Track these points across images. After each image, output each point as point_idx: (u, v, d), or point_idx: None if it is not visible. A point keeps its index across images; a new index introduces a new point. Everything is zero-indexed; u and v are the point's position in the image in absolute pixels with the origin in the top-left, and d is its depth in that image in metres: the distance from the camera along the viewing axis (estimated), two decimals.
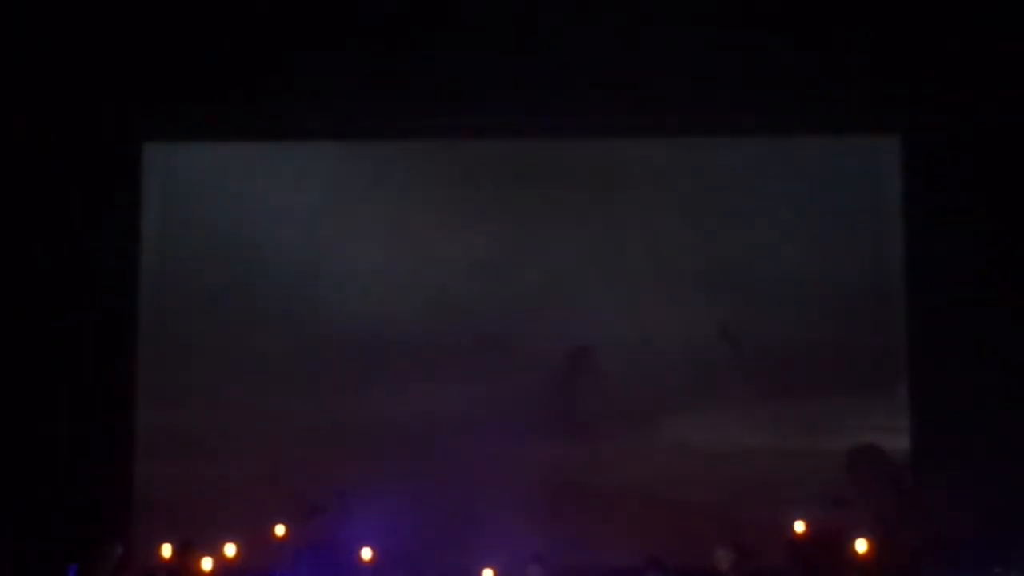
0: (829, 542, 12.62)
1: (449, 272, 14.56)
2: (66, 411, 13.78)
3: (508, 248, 14.54)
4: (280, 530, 13.37)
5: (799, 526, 12.87)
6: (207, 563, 12.57)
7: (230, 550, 12.96)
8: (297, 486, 13.74)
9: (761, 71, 13.54)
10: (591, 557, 13.03)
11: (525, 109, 13.92)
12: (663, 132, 14.33)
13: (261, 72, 13.85)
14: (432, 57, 13.84)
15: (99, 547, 12.46)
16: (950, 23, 13.49)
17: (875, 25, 13.59)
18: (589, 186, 14.55)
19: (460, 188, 14.69)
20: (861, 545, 12.44)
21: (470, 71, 13.74)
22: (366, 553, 13.00)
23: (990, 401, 13.23)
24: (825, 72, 13.61)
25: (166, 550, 13.03)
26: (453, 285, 14.51)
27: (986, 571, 12.50)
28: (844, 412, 14.01)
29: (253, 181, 14.79)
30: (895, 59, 13.61)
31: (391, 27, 13.83)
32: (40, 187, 14.12)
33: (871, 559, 12.39)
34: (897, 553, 12.53)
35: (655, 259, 14.48)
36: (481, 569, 12.79)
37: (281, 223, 14.66)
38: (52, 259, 14.09)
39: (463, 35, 13.70)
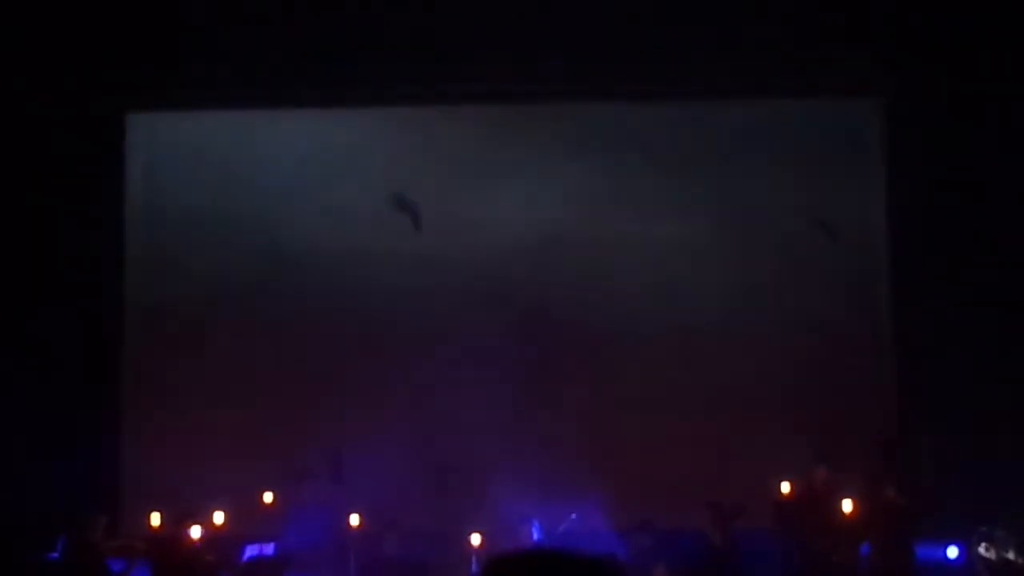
0: (815, 502, 12.62)
1: (437, 234, 14.56)
2: (53, 380, 13.76)
3: (497, 210, 14.53)
4: (268, 497, 13.38)
5: (785, 487, 12.86)
6: (196, 531, 12.53)
7: (218, 517, 12.93)
8: (286, 452, 13.75)
9: (747, 35, 13.56)
10: (582, 520, 12.98)
11: (515, 74, 13.95)
12: (653, 96, 14.38)
13: (243, 42, 13.82)
14: (420, 24, 13.81)
15: (86, 518, 12.46)
16: None
17: None
18: (576, 146, 14.57)
19: (449, 152, 14.70)
20: (847, 505, 12.42)
21: (456, 38, 13.75)
22: (354, 519, 12.98)
23: (976, 361, 13.26)
24: (811, 35, 13.62)
25: (155, 519, 12.99)
26: (442, 246, 14.50)
27: (972, 530, 12.52)
28: (828, 371, 14.07)
29: (237, 150, 14.77)
30: (880, 21, 13.62)
31: None
32: (25, 159, 14.09)
33: (857, 519, 12.39)
34: (884, 512, 12.53)
35: (640, 221, 14.51)
36: (470, 534, 12.76)
37: (264, 191, 14.66)
38: (37, 231, 14.07)
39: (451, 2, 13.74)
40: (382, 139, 14.75)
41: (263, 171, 14.69)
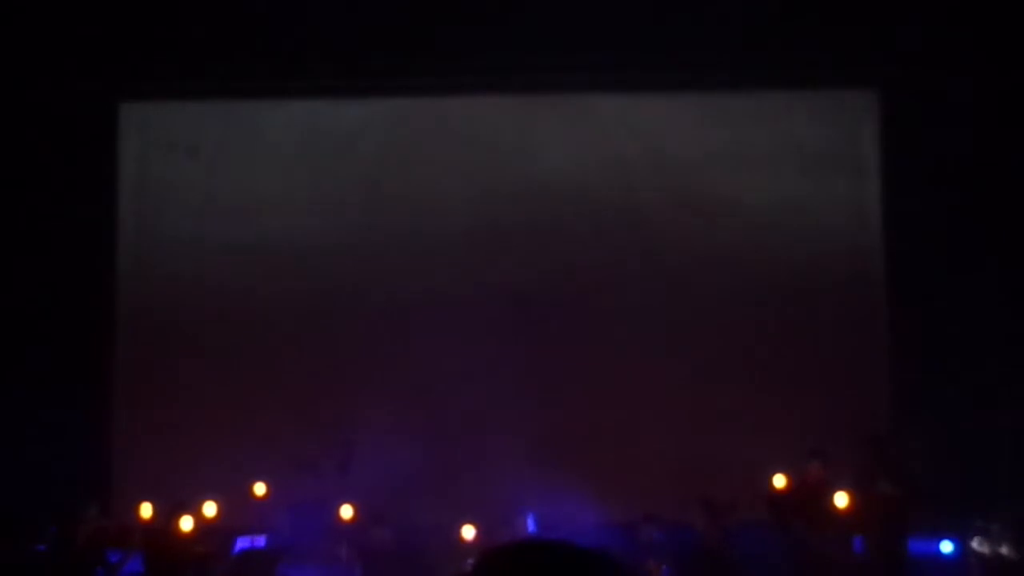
0: (809, 496, 12.58)
1: (435, 226, 14.50)
2: (44, 372, 13.70)
3: (493, 201, 14.47)
4: (260, 489, 13.33)
5: (779, 480, 12.82)
6: (187, 523, 12.47)
7: (210, 509, 12.86)
8: (278, 444, 13.71)
9: (743, 26, 13.53)
10: (582, 512, 12.93)
11: (512, 66, 13.93)
12: (648, 87, 14.34)
13: (237, 32, 13.77)
14: (416, 15, 13.76)
15: (77, 509, 12.41)
16: None
17: None
18: (571, 139, 14.54)
19: (442, 144, 14.65)
20: (841, 498, 12.38)
21: (450, 30, 13.71)
22: (347, 511, 12.93)
23: (970, 354, 13.25)
24: (807, 27, 13.58)
25: (146, 510, 12.94)
26: (438, 239, 14.44)
27: (967, 523, 12.50)
28: (823, 365, 14.04)
29: (229, 139, 14.72)
30: (873, 14, 13.59)
31: None
32: (18, 149, 14.03)
33: (851, 512, 12.36)
34: (878, 506, 12.50)
35: (639, 213, 14.48)
36: (462, 525, 12.71)
37: (257, 180, 14.60)
38: (31, 220, 14.01)
39: None
40: (375, 130, 14.68)
41: (256, 161, 14.65)
